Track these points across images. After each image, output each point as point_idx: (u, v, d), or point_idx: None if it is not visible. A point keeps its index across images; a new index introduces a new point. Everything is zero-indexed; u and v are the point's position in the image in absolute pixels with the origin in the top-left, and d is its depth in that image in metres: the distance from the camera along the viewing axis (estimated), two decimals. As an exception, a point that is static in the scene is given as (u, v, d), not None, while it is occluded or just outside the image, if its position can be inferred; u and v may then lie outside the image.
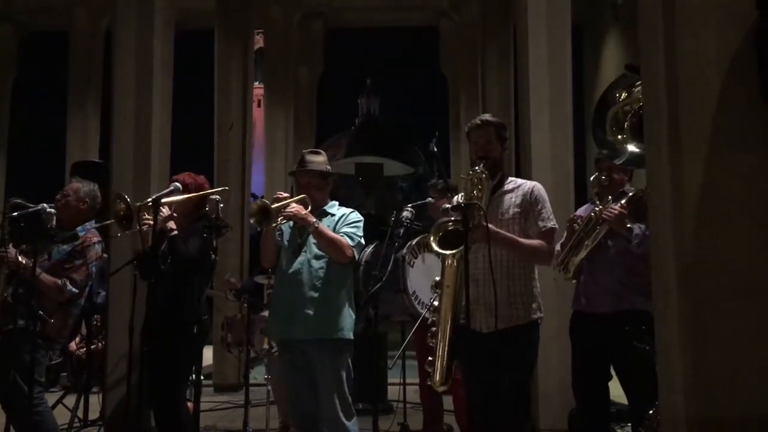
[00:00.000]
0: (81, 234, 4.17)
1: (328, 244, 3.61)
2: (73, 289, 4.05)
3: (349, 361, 3.65)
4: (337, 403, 3.53)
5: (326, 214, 3.77)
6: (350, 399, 3.61)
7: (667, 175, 2.61)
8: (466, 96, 10.21)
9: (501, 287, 3.06)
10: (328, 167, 3.87)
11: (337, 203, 3.87)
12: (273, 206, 3.50)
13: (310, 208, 3.63)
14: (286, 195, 3.67)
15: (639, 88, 3.48)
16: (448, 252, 2.97)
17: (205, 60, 9.18)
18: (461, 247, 2.87)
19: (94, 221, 4.35)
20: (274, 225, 3.57)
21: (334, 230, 3.67)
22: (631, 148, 3.52)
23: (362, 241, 3.72)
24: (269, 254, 3.77)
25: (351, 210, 3.82)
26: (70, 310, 4.14)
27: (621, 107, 3.57)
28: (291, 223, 3.69)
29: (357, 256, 3.70)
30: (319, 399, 3.62)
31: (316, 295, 3.59)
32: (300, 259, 3.66)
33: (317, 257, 3.64)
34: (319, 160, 3.83)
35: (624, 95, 3.59)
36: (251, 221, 3.52)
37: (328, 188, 3.87)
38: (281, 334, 3.76)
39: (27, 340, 3.85)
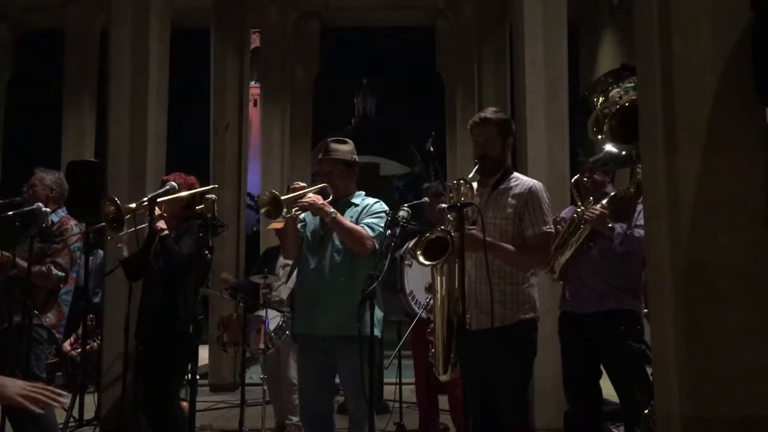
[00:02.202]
0: (56, 220, 4.21)
1: (347, 235, 3.47)
2: (59, 273, 4.08)
3: (375, 359, 3.43)
4: (361, 404, 3.41)
5: (350, 204, 3.64)
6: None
7: (663, 176, 2.62)
8: (462, 95, 10.20)
9: (493, 285, 3.04)
10: (354, 156, 3.72)
11: (363, 193, 3.73)
12: (284, 197, 3.40)
13: (331, 197, 3.52)
14: (302, 185, 3.56)
15: (615, 90, 3.51)
16: (431, 263, 2.93)
17: (201, 59, 9.17)
18: (445, 257, 2.86)
19: (64, 207, 4.40)
20: (289, 215, 3.46)
21: (357, 221, 3.54)
22: (609, 147, 3.53)
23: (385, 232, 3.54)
24: (290, 246, 3.65)
25: (376, 200, 3.68)
26: (61, 297, 4.17)
27: (600, 111, 3.58)
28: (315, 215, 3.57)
29: (378, 248, 3.49)
30: (331, 399, 3.60)
31: (339, 289, 3.45)
32: (323, 252, 3.53)
33: (339, 251, 3.51)
34: (344, 148, 3.69)
35: (602, 99, 3.59)
36: (262, 212, 3.42)
37: (354, 178, 3.72)
38: (303, 329, 3.62)
39: (23, 335, 3.86)
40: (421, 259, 2.95)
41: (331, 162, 3.64)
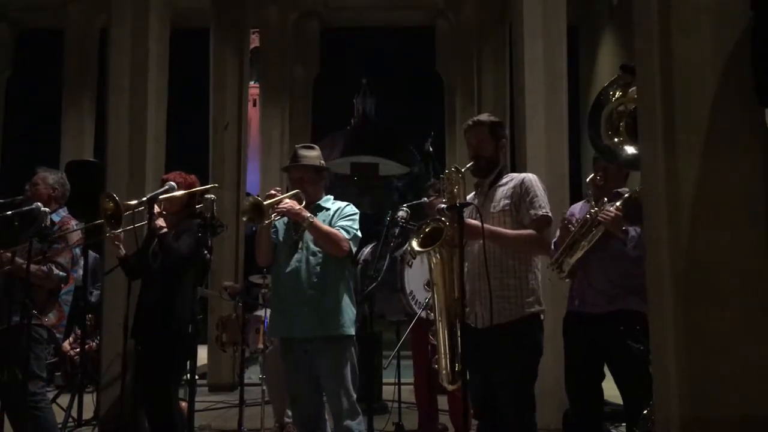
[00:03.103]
0: (57, 220, 4.21)
1: (324, 239, 3.57)
2: (60, 273, 4.08)
3: (354, 357, 3.60)
4: (343, 401, 3.50)
5: (321, 208, 3.73)
6: (355, 397, 3.56)
7: (662, 175, 2.62)
8: (461, 96, 10.21)
9: (494, 280, 3.06)
10: (322, 161, 3.82)
11: (331, 197, 3.82)
12: (265, 203, 3.48)
13: (304, 203, 3.61)
14: (279, 190, 3.63)
15: (634, 88, 3.47)
16: (423, 250, 2.98)
17: (200, 59, 9.17)
18: (438, 242, 2.92)
19: (66, 207, 4.41)
20: (267, 222, 3.55)
21: (329, 224, 3.63)
22: (629, 150, 3.50)
23: (358, 233, 3.67)
24: (264, 252, 3.74)
25: (346, 203, 3.78)
26: (62, 297, 4.17)
27: (615, 107, 3.55)
28: (285, 219, 3.66)
29: (354, 249, 3.65)
30: (320, 398, 3.61)
31: (315, 292, 3.55)
32: (297, 256, 3.62)
33: (314, 254, 3.61)
34: (311, 154, 3.78)
35: (619, 94, 3.56)
36: (244, 219, 3.50)
37: (323, 183, 3.82)
38: (282, 333, 3.72)
39: (23, 335, 3.86)
40: (416, 246, 3.00)
41: (301, 168, 3.74)
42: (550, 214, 3.21)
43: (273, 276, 3.83)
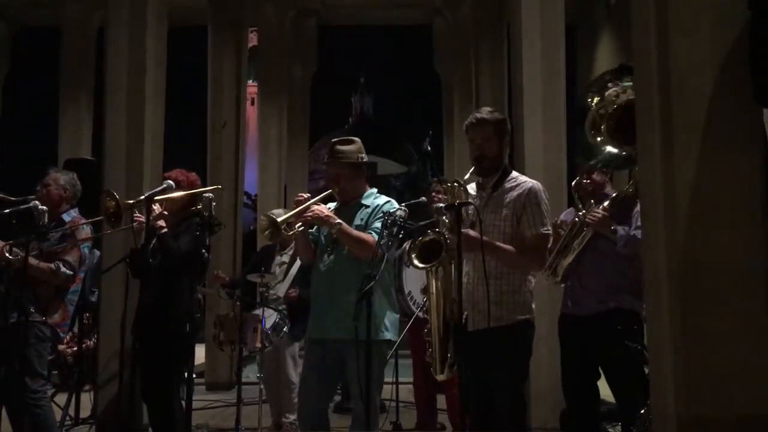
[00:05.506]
0: (68, 220, 4.21)
1: (354, 245, 3.39)
2: (67, 271, 4.08)
3: (384, 363, 3.44)
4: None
5: (360, 206, 3.55)
6: (378, 401, 3.46)
7: (659, 175, 2.62)
8: (459, 94, 10.22)
9: (490, 286, 3.05)
10: (362, 155, 3.59)
11: (374, 192, 3.62)
12: (287, 214, 3.39)
13: (335, 205, 3.47)
14: (307, 196, 3.49)
15: (611, 90, 3.49)
16: (425, 266, 2.95)
17: (198, 57, 9.16)
18: (438, 260, 2.88)
19: (77, 208, 4.39)
20: (291, 233, 3.44)
21: (367, 223, 3.46)
22: (608, 149, 3.51)
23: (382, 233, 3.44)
24: (302, 251, 3.64)
25: (386, 200, 3.56)
26: (67, 297, 4.17)
27: (597, 111, 3.55)
28: None
29: (386, 252, 3.39)
30: (329, 400, 3.59)
31: (349, 294, 3.33)
32: (333, 257, 3.48)
33: (351, 254, 3.43)
34: (349, 149, 3.56)
35: (597, 99, 3.55)
36: (265, 234, 3.39)
37: (363, 177, 3.60)
38: (316, 333, 3.55)
39: (21, 333, 3.86)
40: (416, 262, 2.96)
41: (337, 165, 3.55)
42: (550, 232, 3.21)
43: (312, 275, 3.71)
